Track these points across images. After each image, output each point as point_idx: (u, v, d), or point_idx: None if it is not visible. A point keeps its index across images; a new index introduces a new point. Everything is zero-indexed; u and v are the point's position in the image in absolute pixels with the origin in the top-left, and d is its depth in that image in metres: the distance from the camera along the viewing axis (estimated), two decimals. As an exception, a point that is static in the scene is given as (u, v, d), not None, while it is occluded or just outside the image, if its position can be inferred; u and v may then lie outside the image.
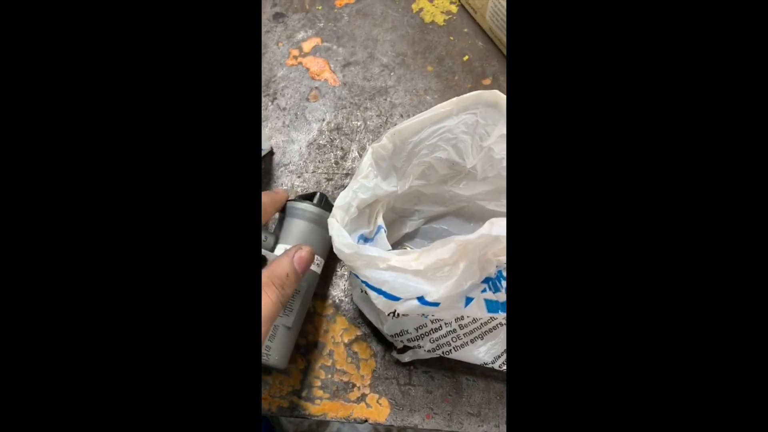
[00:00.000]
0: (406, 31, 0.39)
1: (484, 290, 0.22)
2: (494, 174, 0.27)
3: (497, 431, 0.27)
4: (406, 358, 0.28)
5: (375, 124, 0.36)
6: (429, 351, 0.26)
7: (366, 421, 0.28)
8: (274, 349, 0.26)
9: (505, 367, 0.27)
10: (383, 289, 0.22)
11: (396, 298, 0.22)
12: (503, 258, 0.22)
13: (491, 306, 0.23)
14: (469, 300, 0.22)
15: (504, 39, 0.38)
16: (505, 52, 0.38)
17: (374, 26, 0.39)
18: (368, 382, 0.29)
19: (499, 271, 0.22)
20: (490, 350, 0.26)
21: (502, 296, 0.22)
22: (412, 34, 0.39)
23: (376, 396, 0.29)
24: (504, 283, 0.22)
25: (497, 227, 0.20)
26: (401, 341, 0.27)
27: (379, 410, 0.28)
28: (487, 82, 0.38)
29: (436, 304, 0.22)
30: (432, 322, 0.25)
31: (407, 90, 0.37)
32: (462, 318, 0.25)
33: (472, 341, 0.26)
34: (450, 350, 0.26)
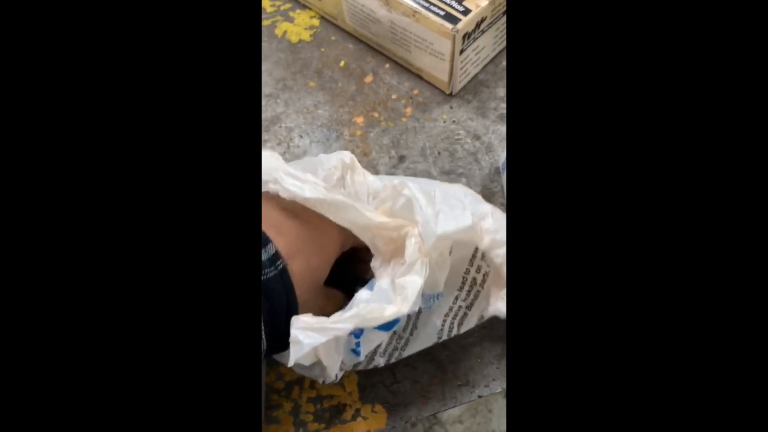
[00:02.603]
0: (279, 57, 0.40)
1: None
2: None
3: (488, 390, 0.28)
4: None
5: (278, 152, 0.36)
6: (386, 363, 0.27)
7: (368, 433, 0.28)
8: None
9: (456, 330, 0.27)
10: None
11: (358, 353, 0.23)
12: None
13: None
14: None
15: (369, 35, 0.39)
16: (374, 46, 0.40)
17: (246, 62, 0.40)
18: (357, 397, 0.29)
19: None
20: (428, 335, 0.27)
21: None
22: (285, 58, 0.40)
23: (370, 406, 0.29)
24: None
25: None
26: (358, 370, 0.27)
27: (376, 418, 0.28)
28: (368, 79, 0.39)
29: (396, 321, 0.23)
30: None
31: (298, 111, 0.38)
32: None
33: (411, 333, 0.27)
34: (401, 353, 0.27)
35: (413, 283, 0.21)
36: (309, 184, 0.22)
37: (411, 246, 0.22)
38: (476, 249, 0.25)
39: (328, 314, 0.21)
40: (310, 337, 0.20)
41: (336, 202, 0.21)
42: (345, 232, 0.24)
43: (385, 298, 0.21)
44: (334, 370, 0.22)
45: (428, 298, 0.26)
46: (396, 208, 0.23)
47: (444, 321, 0.27)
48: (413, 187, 0.23)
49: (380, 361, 0.27)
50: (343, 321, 0.21)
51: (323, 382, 0.24)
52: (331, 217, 0.22)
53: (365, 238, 0.23)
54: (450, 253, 0.24)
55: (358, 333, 0.23)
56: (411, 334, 0.27)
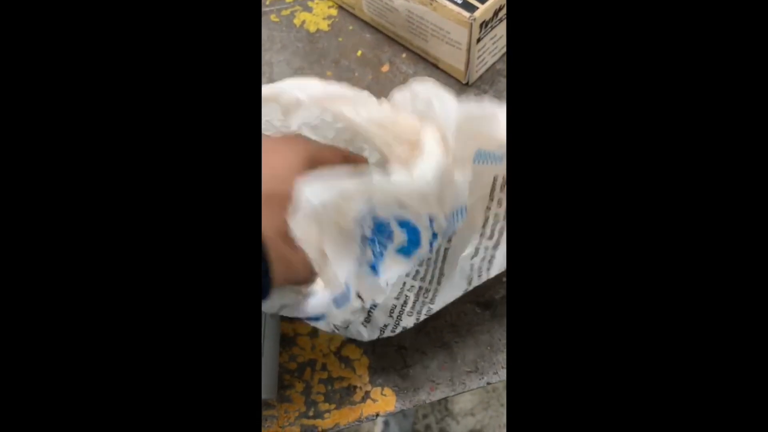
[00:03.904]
0: (297, 47, 0.40)
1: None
2: None
3: (497, 377, 0.29)
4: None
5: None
6: (415, 323, 0.26)
7: (377, 415, 0.29)
8: None
9: (486, 274, 0.26)
10: None
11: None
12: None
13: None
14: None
15: (386, 24, 0.39)
16: (391, 35, 0.40)
17: (264, 52, 0.40)
18: (367, 379, 0.30)
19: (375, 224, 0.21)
20: (457, 281, 0.25)
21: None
22: (303, 47, 0.40)
23: (379, 389, 0.29)
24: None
25: None
26: (384, 336, 0.27)
27: (385, 401, 0.29)
28: (385, 68, 0.39)
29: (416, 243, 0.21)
30: (398, 297, 0.25)
31: (315, 99, 0.38)
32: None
33: (438, 282, 0.26)
34: (430, 307, 0.26)
35: (429, 159, 0.20)
36: (316, 83, 0.21)
37: (429, 140, 0.21)
38: (494, 180, 0.24)
39: (299, 273, 0.21)
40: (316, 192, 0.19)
41: (351, 96, 0.21)
42: (308, 150, 0.22)
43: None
44: (342, 277, 0.21)
45: (452, 216, 0.23)
46: (415, 110, 0.22)
47: (472, 265, 0.25)
48: (429, 86, 0.22)
49: (409, 322, 0.25)
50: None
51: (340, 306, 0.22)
52: (350, 115, 0.21)
53: (381, 144, 0.22)
54: (473, 160, 0.22)
55: (378, 252, 0.22)
56: (438, 283, 0.25)
